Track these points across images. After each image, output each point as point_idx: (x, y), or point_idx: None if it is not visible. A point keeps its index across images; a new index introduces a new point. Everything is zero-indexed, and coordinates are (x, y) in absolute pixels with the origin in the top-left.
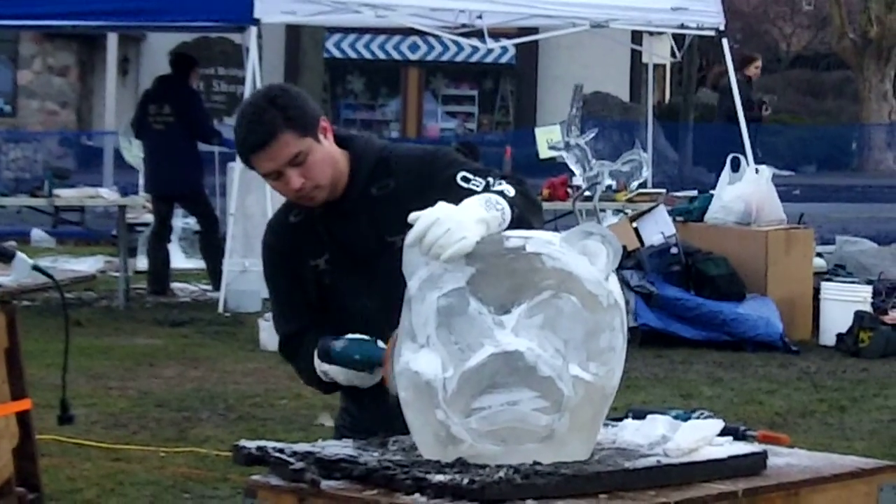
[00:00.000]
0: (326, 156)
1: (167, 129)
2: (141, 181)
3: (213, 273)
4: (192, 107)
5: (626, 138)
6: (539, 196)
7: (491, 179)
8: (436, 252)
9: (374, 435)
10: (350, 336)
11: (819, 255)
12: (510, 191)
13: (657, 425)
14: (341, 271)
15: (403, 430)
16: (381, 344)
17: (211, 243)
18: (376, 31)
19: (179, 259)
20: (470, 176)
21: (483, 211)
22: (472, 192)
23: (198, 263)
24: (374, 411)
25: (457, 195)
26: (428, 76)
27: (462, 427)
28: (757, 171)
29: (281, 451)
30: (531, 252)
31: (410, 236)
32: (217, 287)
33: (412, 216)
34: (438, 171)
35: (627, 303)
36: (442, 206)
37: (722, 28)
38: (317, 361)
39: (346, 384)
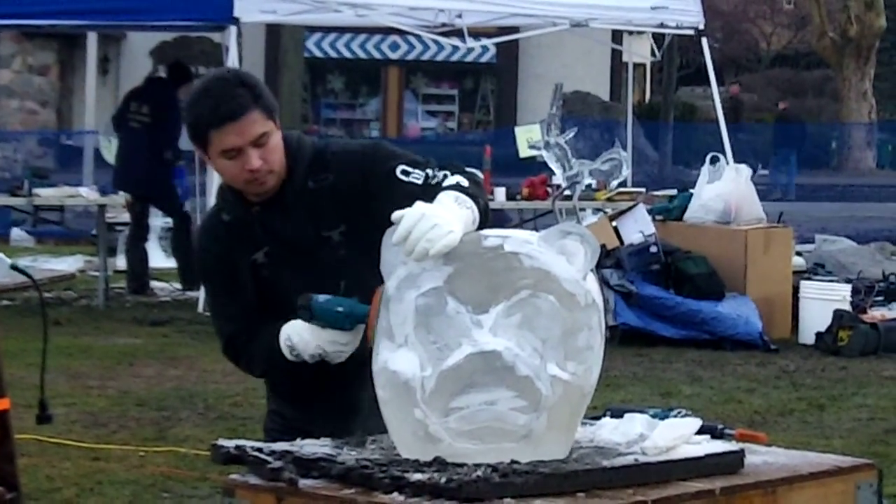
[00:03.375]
0: (280, 144)
1: (142, 128)
2: None
3: (183, 271)
4: (169, 115)
5: (606, 137)
6: (518, 195)
7: (430, 171)
8: (424, 247)
9: (309, 435)
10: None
11: (798, 253)
12: (464, 181)
13: (635, 424)
14: (280, 265)
15: (341, 427)
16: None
17: (181, 241)
18: (356, 30)
19: (159, 258)
20: (409, 169)
21: (458, 208)
22: (412, 185)
23: None
24: (307, 412)
25: (397, 188)
26: (408, 75)
27: (440, 426)
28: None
29: (259, 450)
30: (509, 251)
31: (397, 234)
32: (187, 286)
33: (395, 215)
34: (378, 164)
35: (607, 301)
36: (422, 204)
37: (701, 27)
38: (284, 333)
39: (316, 352)
